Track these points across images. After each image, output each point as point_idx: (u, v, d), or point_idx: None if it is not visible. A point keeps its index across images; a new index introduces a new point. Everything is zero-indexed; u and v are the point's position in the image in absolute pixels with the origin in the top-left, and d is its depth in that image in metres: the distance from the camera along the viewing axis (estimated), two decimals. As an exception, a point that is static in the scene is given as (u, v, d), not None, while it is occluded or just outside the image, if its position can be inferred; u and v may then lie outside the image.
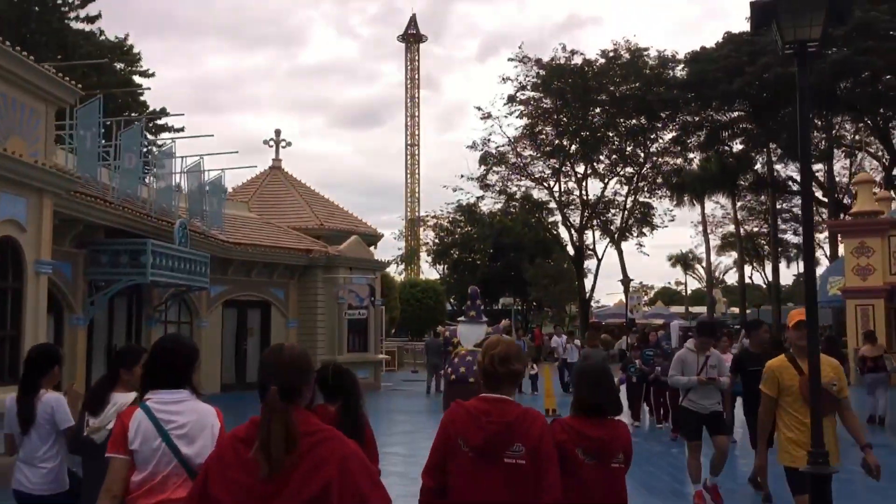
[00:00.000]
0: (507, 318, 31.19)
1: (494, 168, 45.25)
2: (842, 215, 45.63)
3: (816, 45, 5.17)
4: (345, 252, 24.12)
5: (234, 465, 2.72)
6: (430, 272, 62.80)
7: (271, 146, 28.59)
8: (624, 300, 64.45)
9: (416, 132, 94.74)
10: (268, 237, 23.38)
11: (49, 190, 10.83)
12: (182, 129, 31.60)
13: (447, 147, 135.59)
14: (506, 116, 45.76)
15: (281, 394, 2.72)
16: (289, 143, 28.79)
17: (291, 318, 23.64)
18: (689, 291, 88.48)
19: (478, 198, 49.01)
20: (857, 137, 44.39)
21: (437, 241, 60.06)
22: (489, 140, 44.82)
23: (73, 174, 12.03)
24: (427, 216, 62.33)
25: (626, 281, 41.77)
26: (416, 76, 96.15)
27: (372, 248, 27.38)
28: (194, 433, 3.40)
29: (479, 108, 44.22)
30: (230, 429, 3.12)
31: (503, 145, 45.03)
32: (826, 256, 57.11)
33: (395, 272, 59.10)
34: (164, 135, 30.90)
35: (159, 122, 31.44)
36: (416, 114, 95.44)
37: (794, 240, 63.59)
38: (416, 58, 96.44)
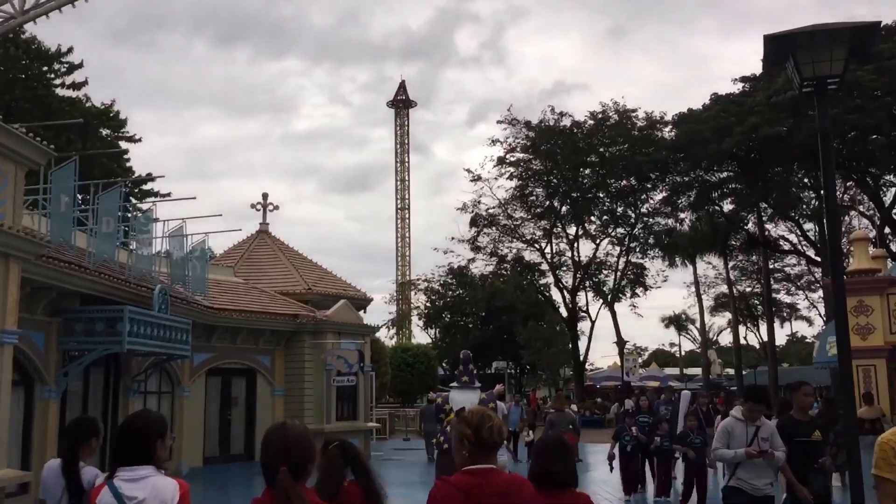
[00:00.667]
0: (500, 382, 30.35)
1: (485, 230, 45.02)
2: (835, 274, 45.39)
3: (837, 81, 4.71)
4: (333, 317, 23.47)
5: None
6: (421, 336, 61.97)
7: (259, 210, 28.17)
8: (618, 362, 63.68)
9: (406, 196, 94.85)
10: (254, 302, 22.74)
11: (16, 255, 10.26)
12: (169, 195, 31.23)
13: (438, 211, 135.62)
14: (496, 178, 45.86)
15: (290, 473, 2.77)
16: (276, 207, 28.38)
17: (278, 385, 22.84)
18: (682, 353, 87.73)
19: (469, 260, 48.64)
20: (847, 197, 44.39)
21: (428, 304, 59.37)
22: (479, 202, 44.71)
23: (44, 238, 11.48)
24: (418, 279, 61.78)
25: (620, 343, 41.06)
26: (406, 141, 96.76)
27: (361, 313, 26.74)
28: None
29: (468, 171, 43.93)
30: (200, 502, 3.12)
31: (493, 207, 44.91)
32: (821, 316, 56.72)
33: (387, 336, 58.25)
34: (151, 200, 30.48)
35: (144, 187, 31.06)
36: (406, 178, 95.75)
37: (787, 299, 63.32)
38: (406, 123, 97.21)
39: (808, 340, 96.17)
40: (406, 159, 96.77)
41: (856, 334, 25.09)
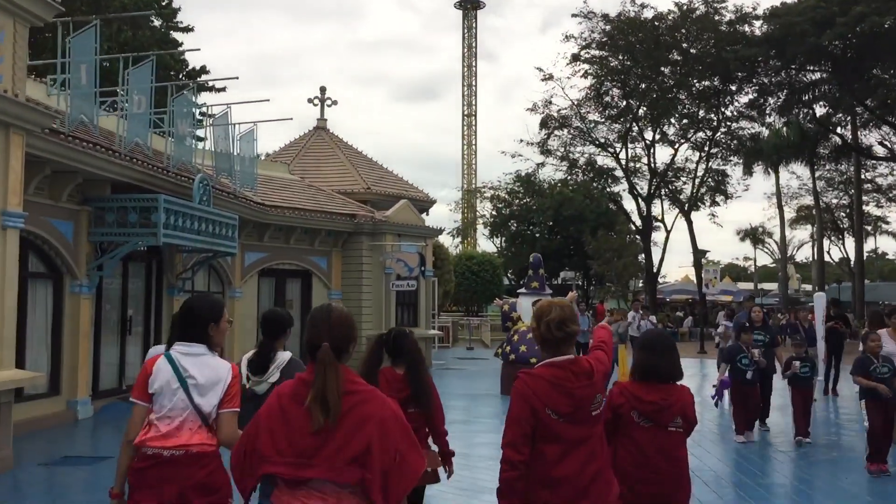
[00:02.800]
0: (571, 290, 28.66)
1: (556, 132, 42.49)
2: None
3: None
4: (392, 217, 21.96)
5: (279, 420, 2.84)
6: (486, 245, 60.51)
7: (316, 104, 26.55)
8: (690, 276, 61.29)
9: (473, 102, 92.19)
10: (309, 200, 21.33)
11: (17, 125, 8.81)
12: (224, 90, 29.78)
13: (506, 122, 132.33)
14: (568, 77, 42.83)
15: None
16: (334, 102, 26.67)
17: (335, 289, 21.61)
18: (756, 267, 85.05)
19: (538, 164, 46.22)
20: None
21: (494, 213, 57.59)
22: (550, 102, 42.03)
23: (54, 110, 10.04)
24: (484, 187, 59.87)
25: (700, 253, 38.46)
26: (474, 44, 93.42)
27: (424, 216, 25.20)
28: (207, 386, 3.69)
29: (539, 69, 41.09)
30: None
31: (565, 108, 42.21)
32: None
33: (451, 245, 56.92)
34: (204, 95, 29.08)
35: (199, 79, 29.55)
36: (474, 83, 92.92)
37: (877, 212, 59.53)
38: (474, 25, 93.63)
39: (889, 257, 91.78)
40: (473, 64, 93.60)
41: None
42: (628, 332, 19.92)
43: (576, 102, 41.94)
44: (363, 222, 21.51)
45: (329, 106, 26.54)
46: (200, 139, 22.75)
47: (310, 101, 26.50)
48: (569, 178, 47.09)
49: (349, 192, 23.25)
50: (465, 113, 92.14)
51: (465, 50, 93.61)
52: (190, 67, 29.67)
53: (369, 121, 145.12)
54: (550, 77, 41.45)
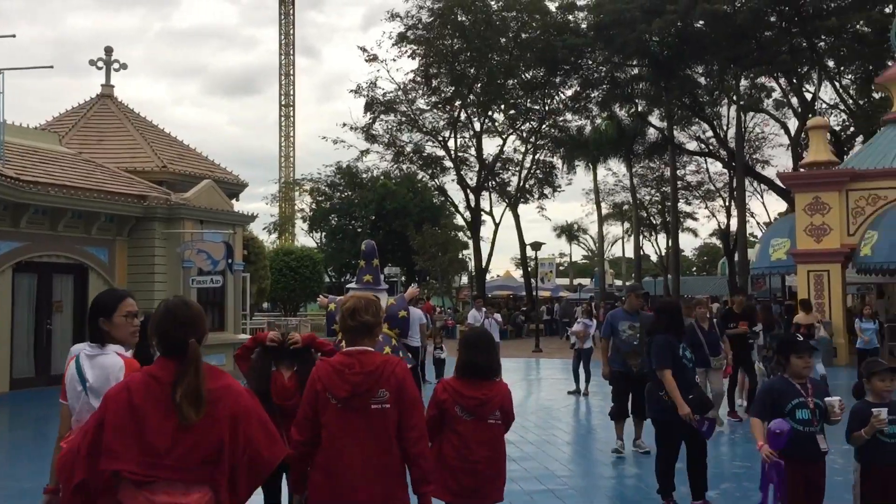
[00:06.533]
0: (412, 287, 26.06)
1: (382, 116, 39.69)
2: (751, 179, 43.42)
3: None
4: (193, 200, 18.35)
5: (129, 417, 2.70)
6: (305, 240, 56.98)
7: (100, 67, 22.23)
8: (511, 272, 60.77)
9: (292, 92, 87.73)
10: (83, 178, 17.28)
11: None
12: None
13: (327, 117, 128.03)
14: (394, 59, 40.25)
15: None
16: (123, 66, 22.46)
17: (119, 286, 17.68)
18: (571, 262, 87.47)
19: (362, 151, 43.17)
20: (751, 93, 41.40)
21: (313, 206, 54.12)
22: (376, 84, 39.17)
23: None
24: (303, 179, 56.26)
25: (535, 246, 36.39)
26: (291, 31, 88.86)
27: (234, 202, 21.65)
28: (99, 387, 3.45)
29: (363, 49, 38.06)
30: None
31: (392, 91, 39.52)
32: (720, 225, 55.05)
33: (268, 241, 52.97)
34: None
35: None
36: (292, 72, 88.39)
37: (687, 209, 61.67)
38: (292, 11, 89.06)
39: (684, 253, 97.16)
40: (291, 52, 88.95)
41: (809, 236, 22.03)
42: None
43: (402, 86, 39.40)
44: (155, 205, 17.77)
45: (116, 70, 22.35)
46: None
47: (92, 63, 22.16)
48: (395, 166, 44.60)
49: (140, 171, 19.40)
50: (283, 103, 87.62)
51: (283, 38, 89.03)
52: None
53: (182, 114, 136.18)
54: (375, 58, 38.63)
